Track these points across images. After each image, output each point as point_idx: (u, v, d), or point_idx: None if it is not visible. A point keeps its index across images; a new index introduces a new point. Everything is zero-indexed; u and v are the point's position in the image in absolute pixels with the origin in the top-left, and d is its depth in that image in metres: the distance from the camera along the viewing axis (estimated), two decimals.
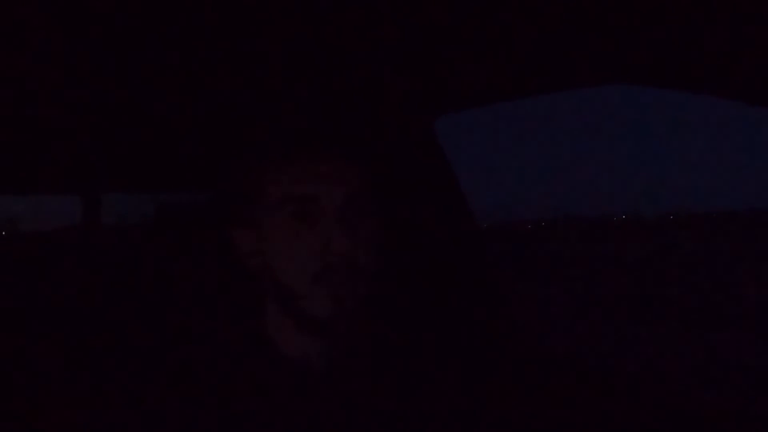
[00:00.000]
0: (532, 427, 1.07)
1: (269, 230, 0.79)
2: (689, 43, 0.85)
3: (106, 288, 1.35)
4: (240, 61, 1.08)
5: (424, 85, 1.22)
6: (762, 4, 0.70)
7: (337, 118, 0.84)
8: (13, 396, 1.27)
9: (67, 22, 0.87)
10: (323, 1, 0.83)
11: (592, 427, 1.11)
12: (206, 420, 0.76)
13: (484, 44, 0.99)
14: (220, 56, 1.05)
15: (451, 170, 1.39)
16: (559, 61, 1.05)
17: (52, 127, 1.33)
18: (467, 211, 1.39)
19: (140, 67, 1.08)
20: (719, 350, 6.79)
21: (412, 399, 0.83)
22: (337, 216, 0.77)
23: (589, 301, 10.99)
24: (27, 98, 1.22)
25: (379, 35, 0.96)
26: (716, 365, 6.13)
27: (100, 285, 1.34)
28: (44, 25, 0.89)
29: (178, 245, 1.26)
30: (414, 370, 0.86)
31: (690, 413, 1.02)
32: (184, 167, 1.54)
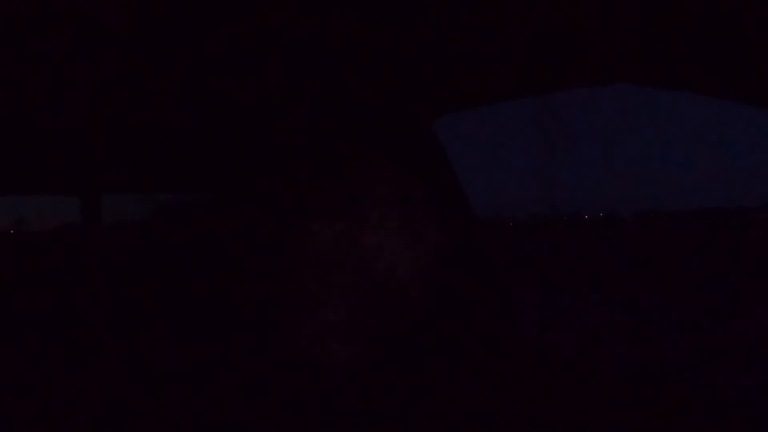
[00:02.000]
0: (538, 427, 1.09)
1: (328, 230, 0.80)
2: (683, 43, 0.87)
3: (108, 287, 1.35)
4: (241, 61, 1.08)
5: (424, 85, 1.23)
6: (761, 5, 0.72)
7: (340, 119, 0.85)
8: (14, 394, 1.26)
9: (67, 22, 0.88)
10: (324, 2, 0.84)
11: (591, 426, 1.13)
12: (218, 420, 0.76)
13: (484, 45, 1.01)
14: (221, 57, 1.05)
15: (452, 170, 1.40)
16: (556, 63, 1.06)
17: (53, 128, 1.33)
18: (468, 211, 1.41)
19: (140, 67, 1.08)
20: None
21: (429, 401, 0.84)
22: (389, 224, 0.79)
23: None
24: (27, 99, 1.22)
25: (380, 36, 0.97)
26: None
27: (103, 284, 1.34)
28: (45, 26, 0.89)
29: (180, 244, 1.26)
30: (430, 372, 0.87)
31: (686, 411, 1.04)
32: (184, 168, 1.54)
